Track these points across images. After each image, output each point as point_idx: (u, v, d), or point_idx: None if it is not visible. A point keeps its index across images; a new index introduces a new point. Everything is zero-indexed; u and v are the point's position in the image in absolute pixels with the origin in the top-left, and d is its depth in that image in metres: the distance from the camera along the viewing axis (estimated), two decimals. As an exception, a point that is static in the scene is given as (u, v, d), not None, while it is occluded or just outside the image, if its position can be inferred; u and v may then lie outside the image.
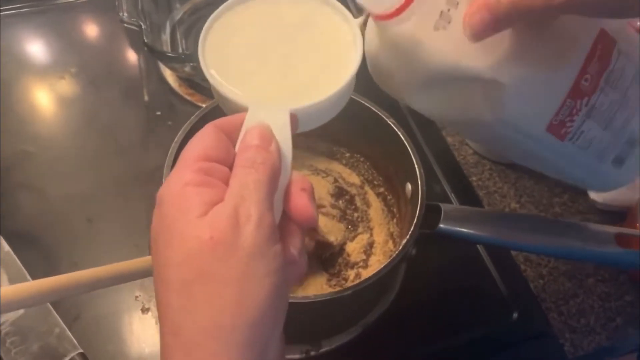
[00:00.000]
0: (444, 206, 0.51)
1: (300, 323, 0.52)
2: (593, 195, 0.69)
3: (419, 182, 0.50)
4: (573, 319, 0.62)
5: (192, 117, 0.51)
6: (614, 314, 0.62)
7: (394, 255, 0.47)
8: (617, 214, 0.68)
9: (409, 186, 0.54)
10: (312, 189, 0.33)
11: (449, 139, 0.75)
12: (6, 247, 0.59)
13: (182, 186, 0.29)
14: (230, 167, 0.31)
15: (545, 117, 0.35)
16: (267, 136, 0.32)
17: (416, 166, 0.51)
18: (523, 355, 0.59)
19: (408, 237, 0.47)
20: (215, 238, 0.28)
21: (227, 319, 0.27)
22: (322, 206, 0.61)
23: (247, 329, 0.27)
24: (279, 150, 0.32)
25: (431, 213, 0.50)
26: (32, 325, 0.54)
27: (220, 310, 0.27)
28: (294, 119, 0.34)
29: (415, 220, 0.48)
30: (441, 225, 0.50)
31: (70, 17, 0.84)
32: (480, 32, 0.30)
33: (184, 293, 0.28)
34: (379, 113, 0.55)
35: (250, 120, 0.33)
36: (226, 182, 0.30)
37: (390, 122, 0.54)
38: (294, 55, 0.37)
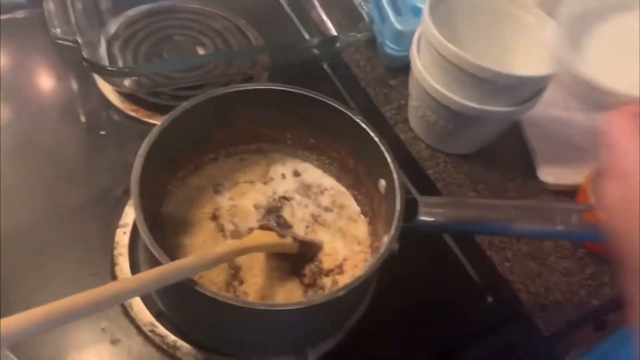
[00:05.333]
0: (420, 198, 0.51)
1: (284, 333, 0.51)
2: (543, 177, 0.73)
3: (395, 176, 0.50)
4: (541, 296, 0.64)
5: (162, 121, 0.49)
6: (577, 288, 0.65)
7: (382, 251, 0.46)
8: (566, 193, 0.72)
9: (382, 182, 0.54)
10: None
11: (402, 136, 0.76)
12: (-51, 291, 0.53)
13: None
14: None
15: None
16: None
17: (389, 161, 0.51)
18: (503, 338, 0.60)
19: (393, 231, 0.47)
20: None
21: None
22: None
23: None
24: None
25: (408, 206, 0.50)
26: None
27: None
28: None
29: (397, 213, 0.48)
30: (421, 217, 0.50)
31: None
32: None
33: None
34: (345, 110, 0.54)
35: None
36: None
37: (357, 120, 0.53)
38: None
